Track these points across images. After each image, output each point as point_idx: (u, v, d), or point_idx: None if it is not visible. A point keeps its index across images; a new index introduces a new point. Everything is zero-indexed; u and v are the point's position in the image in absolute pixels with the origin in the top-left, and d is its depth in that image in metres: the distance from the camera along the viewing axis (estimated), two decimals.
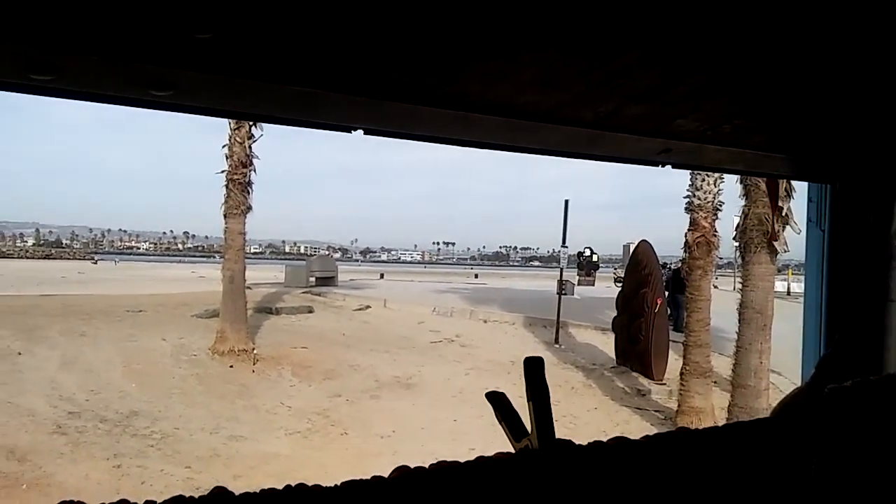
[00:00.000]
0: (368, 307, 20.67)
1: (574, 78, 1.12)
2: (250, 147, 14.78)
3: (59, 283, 32.27)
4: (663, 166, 1.52)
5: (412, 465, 1.05)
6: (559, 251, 17.83)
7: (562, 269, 17.97)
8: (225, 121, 14.61)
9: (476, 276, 57.65)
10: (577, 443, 1.17)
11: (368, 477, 1.00)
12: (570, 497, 1.09)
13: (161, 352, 13.30)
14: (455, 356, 14.66)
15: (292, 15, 0.87)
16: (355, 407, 10.76)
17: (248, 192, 14.76)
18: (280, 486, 0.95)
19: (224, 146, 14.82)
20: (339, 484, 0.98)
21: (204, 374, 12.19)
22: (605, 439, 1.20)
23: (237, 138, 14.58)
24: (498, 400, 1.26)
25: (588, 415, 10.96)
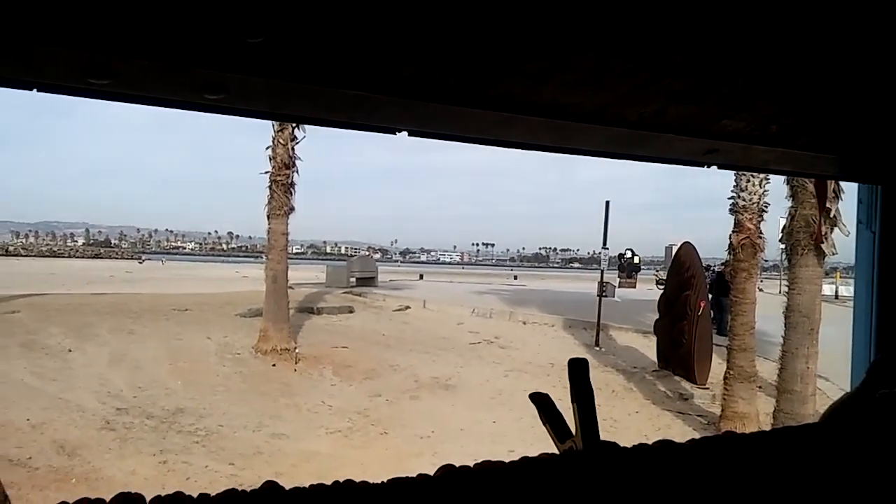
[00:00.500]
0: (408, 308, 20.76)
1: (618, 79, 1.12)
2: (293, 149, 14.97)
3: (108, 281, 33.14)
4: (709, 167, 1.50)
5: (456, 465, 1.06)
6: (599, 253, 17.67)
7: (602, 271, 17.81)
8: (269, 123, 14.84)
9: (515, 277, 57.42)
10: (621, 445, 1.17)
11: (414, 475, 1.02)
12: (615, 499, 1.09)
13: (206, 350, 13.56)
14: (494, 357, 14.64)
15: (339, 20, 0.88)
16: (395, 407, 10.82)
17: (291, 194, 14.95)
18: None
19: (267, 148, 15.03)
20: (385, 481, 1.00)
21: (247, 373, 12.40)
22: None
23: (280, 140, 14.77)
24: (542, 401, 1.26)
25: (629, 419, 10.85)
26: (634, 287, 34.62)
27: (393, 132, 1.21)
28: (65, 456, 7.97)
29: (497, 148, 1.37)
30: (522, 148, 1.34)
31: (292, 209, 14.94)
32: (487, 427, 9.89)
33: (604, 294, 17.07)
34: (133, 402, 10.24)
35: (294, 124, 14.55)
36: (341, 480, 0.97)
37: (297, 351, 13.71)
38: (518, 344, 16.11)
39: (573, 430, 1.16)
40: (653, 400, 11.91)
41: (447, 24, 0.92)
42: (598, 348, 15.81)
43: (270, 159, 14.96)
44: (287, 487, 0.96)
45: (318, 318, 17.78)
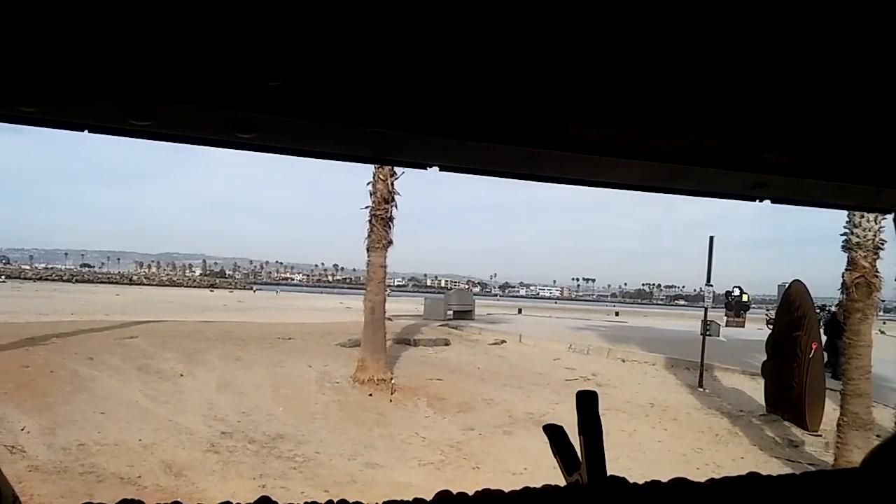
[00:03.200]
0: (504, 342, 20.68)
1: (639, 114, 1.10)
2: (392, 184, 15.36)
3: (221, 310, 34.81)
4: (760, 201, 1.44)
5: (454, 491, 1.07)
6: (704, 289, 17.04)
7: (706, 309, 17.12)
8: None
9: (617, 313, 56.11)
10: (632, 481, 1.15)
11: (410, 499, 1.04)
12: None
13: (306, 378, 13.97)
14: None
15: (355, 61, 0.92)
16: (488, 441, 10.75)
17: (390, 227, 15.31)
18: None
19: (368, 183, 15.51)
20: (380, 503, 1.02)
21: (345, 402, 12.66)
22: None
23: (380, 176, 15.20)
24: (555, 433, 1.26)
25: (733, 465, 10.30)
26: (743, 326, 32.96)
27: (423, 167, 1.23)
28: (171, 476, 8.37)
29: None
30: (556, 182, 1.34)
31: (391, 242, 15.28)
32: None
33: (708, 333, 16.39)
34: (237, 426, 10.66)
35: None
36: (335, 500, 1.01)
37: (393, 382, 13.90)
38: (616, 382, 15.70)
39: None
40: (760, 446, 11.27)
41: (461, 61, 0.94)
42: (701, 389, 15.16)
43: (371, 194, 15.40)
44: (280, 503, 1.00)
45: (414, 350, 17.99)
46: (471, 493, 1.10)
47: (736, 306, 32.92)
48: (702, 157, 1.24)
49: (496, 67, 0.96)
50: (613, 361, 18.47)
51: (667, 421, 12.46)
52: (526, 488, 1.12)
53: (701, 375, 15.60)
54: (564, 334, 23.48)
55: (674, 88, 1.04)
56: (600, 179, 1.36)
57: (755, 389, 14.37)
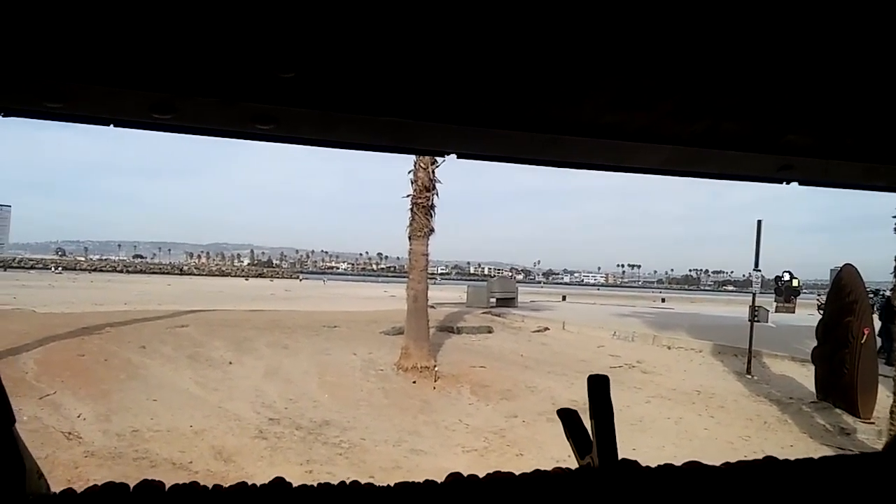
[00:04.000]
0: (547, 329, 20.59)
1: (653, 98, 1.09)
2: (433, 172, 15.39)
3: (268, 299, 35.40)
4: (787, 183, 1.41)
5: (465, 474, 1.08)
6: (752, 274, 16.67)
7: (754, 294, 16.75)
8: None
9: (663, 300, 55.36)
10: (643, 464, 1.15)
11: (421, 480, 1.05)
12: None
13: (351, 365, 14.15)
14: (635, 383, 14.16)
15: (370, 53, 0.93)
16: (531, 428, 10.73)
17: (431, 216, 15.36)
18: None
19: (409, 172, 15.57)
20: (391, 484, 1.04)
21: (389, 389, 12.80)
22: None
23: (421, 164, 15.24)
24: (569, 417, 1.26)
25: (782, 453, 9.86)
26: (793, 312, 32.27)
27: (441, 154, 1.27)
28: (221, 461, 8.58)
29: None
30: (575, 167, 1.33)
31: (432, 230, 15.34)
32: (625, 454, 9.58)
33: (756, 319, 16.05)
34: (284, 412, 10.86)
35: None
36: (347, 482, 1.03)
37: (436, 369, 13.99)
38: (661, 369, 15.50)
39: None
40: (810, 434, 11.01)
41: (476, 49, 0.94)
42: (749, 376, 14.86)
43: (412, 183, 15.47)
44: (295, 484, 1.01)
45: (457, 338, 18.04)
46: (482, 475, 1.11)
47: (786, 291, 32.16)
48: (722, 140, 1.22)
49: (511, 54, 0.96)
50: (659, 348, 18.24)
51: (714, 408, 12.26)
52: (537, 471, 1.13)
53: (749, 362, 15.30)
54: (609, 321, 23.25)
55: (689, 71, 1.03)
56: (621, 164, 1.35)
57: (805, 376, 14.02)
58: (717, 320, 26.91)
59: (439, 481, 1.09)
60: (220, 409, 10.70)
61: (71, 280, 62.56)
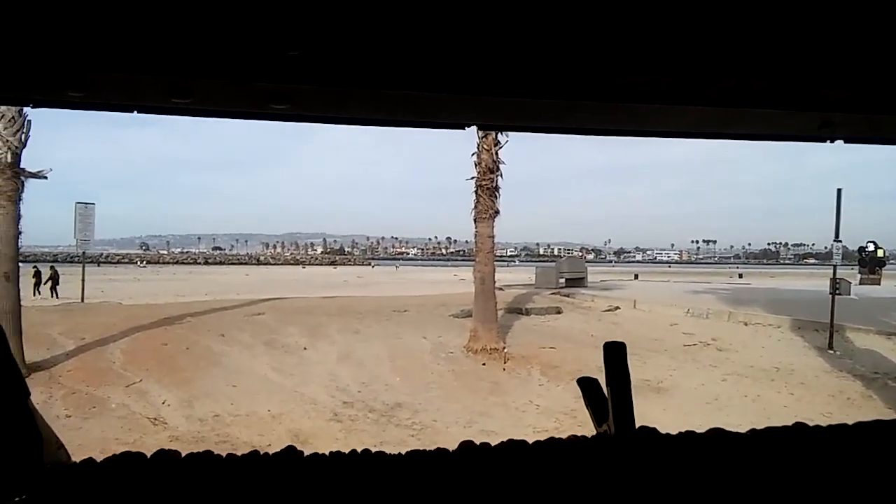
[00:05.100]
0: (618, 308, 20.29)
1: (677, 55, 1.04)
2: (497, 153, 15.32)
3: (341, 286, 36.16)
4: (832, 141, 1.33)
5: (478, 442, 1.09)
6: (832, 246, 15.98)
7: (835, 266, 16.06)
8: (473, 131, 15.32)
9: (741, 275, 53.81)
10: (663, 432, 1.13)
11: (432, 448, 1.07)
12: (643, 485, 1.06)
13: (421, 349, 14.30)
14: (711, 360, 13.84)
15: (376, 25, 0.92)
16: None
17: (496, 197, 15.30)
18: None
19: (473, 154, 15.56)
20: (402, 453, 1.06)
21: (459, 371, 12.90)
22: None
23: (484, 146, 15.20)
24: (589, 385, 1.25)
25: None
26: (878, 283, 30.76)
27: (462, 127, 1.22)
28: (298, 444, 8.66)
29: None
30: (598, 133, 1.29)
31: (497, 212, 15.29)
32: None
33: (837, 291, 15.39)
34: (357, 396, 11.10)
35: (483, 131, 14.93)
36: (359, 450, 1.06)
37: (505, 351, 13.99)
38: (738, 346, 15.07)
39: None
40: None
41: (487, 14, 0.93)
42: (831, 351, 14.28)
43: (476, 165, 15.44)
44: (306, 453, 1.05)
45: (526, 319, 17.98)
46: (493, 444, 1.12)
47: (870, 262, 30.67)
48: (754, 98, 1.16)
49: (522, 17, 0.94)
50: (735, 325, 17.72)
51: (793, 385, 11.87)
52: (551, 439, 1.13)
53: (831, 337, 14.70)
54: (682, 299, 22.73)
55: (711, 24, 0.99)
56: (645, 128, 1.31)
57: (892, 350, 13.44)
58: (796, 294, 25.92)
59: (451, 449, 1.10)
60: (296, 393, 11.02)
61: (154, 273, 65.40)
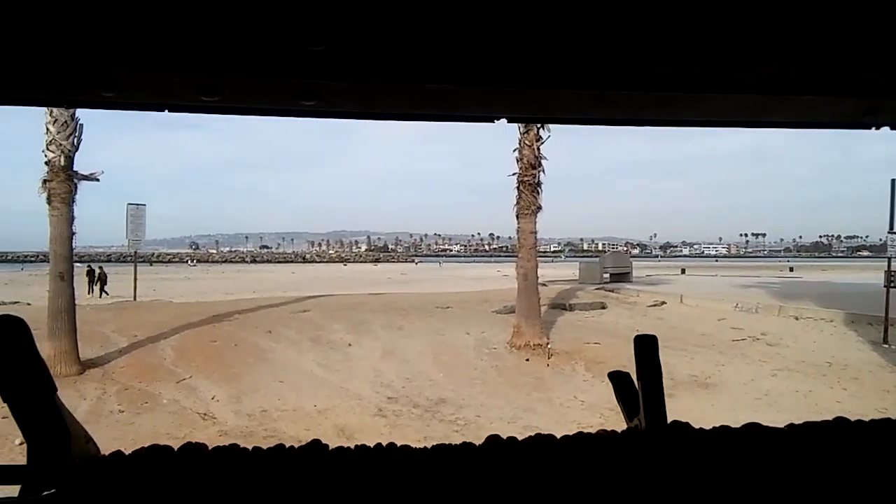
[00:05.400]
0: (663, 303, 19.98)
1: (714, 41, 1.00)
2: (538, 149, 15.22)
3: (385, 283, 36.38)
4: (877, 128, 1.27)
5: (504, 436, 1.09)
6: (887, 237, 15.46)
7: (889, 259, 15.52)
8: (514, 127, 15.29)
9: (791, 269, 52.39)
10: (696, 426, 1.11)
11: (458, 443, 1.07)
12: (673, 481, 1.04)
13: (464, 344, 14.33)
14: (760, 356, 13.53)
15: (402, 19, 0.92)
16: None
17: (538, 193, 15.21)
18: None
19: (514, 150, 15.49)
20: (428, 447, 1.06)
21: (502, 367, 12.88)
22: None
23: (526, 142, 15.13)
24: (620, 379, 1.24)
25: None
26: None
27: (491, 120, 1.20)
28: (344, 439, 8.90)
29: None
30: (630, 125, 1.27)
31: (539, 208, 15.21)
32: None
33: (892, 284, 14.88)
34: (402, 391, 11.19)
35: (539, 125, 14.83)
36: (384, 444, 1.06)
37: (549, 346, 13.93)
38: (789, 341, 14.70)
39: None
40: None
41: (511, 6, 0.91)
42: (886, 346, 13.85)
43: (517, 161, 15.38)
44: (331, 447, 1.05)
45: (570, 314, 17.84)
46: (520, 438, 1.11)
47: None
48: (793, 85, 1.12)
49: (548, 5, 0.92)
50: (785, 319, 17.29)
51: (846, 380, 11.54)
52: (579, 433, 1.11)
53: (885, 330, 14.24)
54: (730, 293, 22.26)
55: (745, 9, 0.95)
56: (681, 118, 1.27)
57: None
58: (849, 288, 25.18)
59: (477, 443, 1.09)
60: (341, 388, 11.16)
61: (204, 272, 66.74)
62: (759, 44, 1.02)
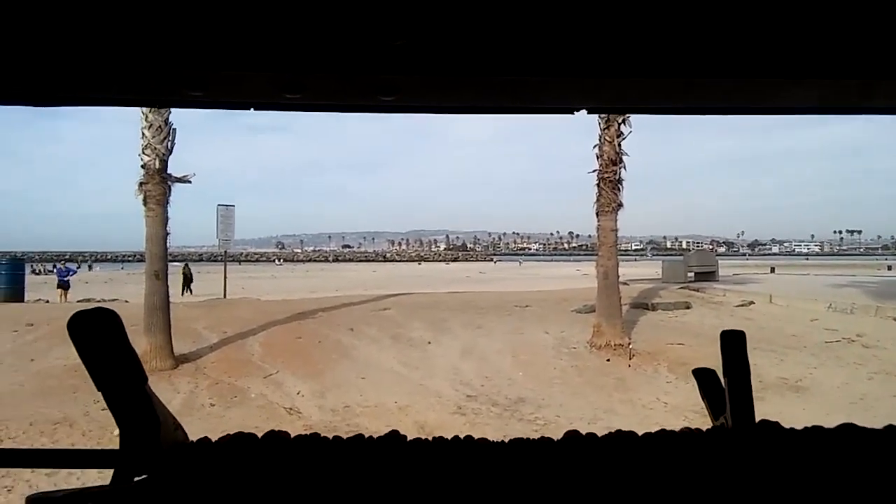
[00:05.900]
0: (751, 303, 19.20)
1: (813, 19, 0.92)
2: (619, 145, 14.93)
3: (464, 281, 36.51)
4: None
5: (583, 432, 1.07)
6: None
7: None
8: (594, 122, 15.08)
9: (889, 267, 49.56)
10: (786, 426, 1.06)
11: (536, 437, 1.06)
12: (761, 482, 1.00)
13: (544, 344, 14.22)
14: (855, 358, 12.84)
15: (480, 11, 0.91)
16: None
17: (619, 190, 14.90)
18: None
19: (594, 146, 15.26)
20: (506, 440, 1.07)
21: (582, 367, 12.72)
22: None
23: (606, 137, 14.86)
24: (705, 376, 1.20)
25: None
26: None
27: (570, 111, 1.16)
28: (424, 435, 9.02)
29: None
30: (718, 113, 1.20)
31: (620, 205, 14.89)
32: None
33: None
34: (480, 390, 11.21)
35: (620, 120, 14.57)
36: (461, 437, 1.06)
37: (630, 346, 13.66)
38: (887, 343, 13.85)
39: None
40: None
41: None
42: None
43: (597, 157, 15.13)
44: (409, 438, 1.08)
45: (652, 314, 17.40)
46: (600, 434, 1.10)
47: None
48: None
49: None
50: (883, 320, 16.29)
51: None
52: (661, 430, 1.09)
53: None
54: (823, 292, 21.19)
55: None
56: (763, 105, 1.22)
57: None
58: None
59: (556, 439, 1.09)
60: (421, 386, 11.28)
61: (289, 271, 68.78)
62: (863, 20, 0.93)
